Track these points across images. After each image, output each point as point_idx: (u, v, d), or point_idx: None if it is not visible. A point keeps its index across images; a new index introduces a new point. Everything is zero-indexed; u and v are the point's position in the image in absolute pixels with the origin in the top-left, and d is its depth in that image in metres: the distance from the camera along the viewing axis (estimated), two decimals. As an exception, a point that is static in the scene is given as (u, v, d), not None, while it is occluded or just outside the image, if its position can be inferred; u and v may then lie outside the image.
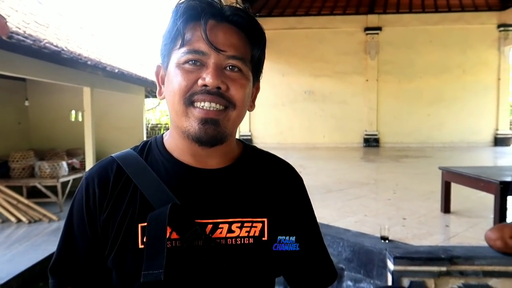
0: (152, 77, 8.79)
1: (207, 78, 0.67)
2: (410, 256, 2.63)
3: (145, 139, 6.33)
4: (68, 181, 7.44)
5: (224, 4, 0.74)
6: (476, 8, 11.31)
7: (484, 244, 2.79)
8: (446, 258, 2.60)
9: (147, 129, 10.62)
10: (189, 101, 0.69)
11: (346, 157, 9.25)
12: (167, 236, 0.68)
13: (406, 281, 2.63)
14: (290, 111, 11.76)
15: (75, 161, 7.90)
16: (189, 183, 0.75)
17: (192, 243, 0.70)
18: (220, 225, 0.73)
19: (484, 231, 3.03)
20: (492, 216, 3.53)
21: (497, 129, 11.41)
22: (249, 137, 11.58)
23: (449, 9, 11.38)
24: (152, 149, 0.80)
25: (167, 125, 12.17)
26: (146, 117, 11.60)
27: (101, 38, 8.26)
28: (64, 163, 6.96)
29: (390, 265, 2.69)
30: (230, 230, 0.73)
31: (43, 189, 6.31)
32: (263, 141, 11.74)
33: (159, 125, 12.36)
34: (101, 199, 0.73)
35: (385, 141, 11.56)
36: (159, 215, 0.68)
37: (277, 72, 11.63)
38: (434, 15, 11.36)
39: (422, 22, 11.35)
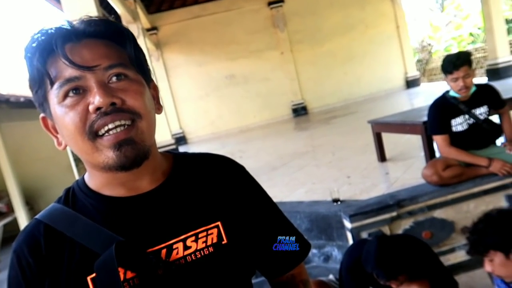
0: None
1: (96, 100, 0.61)
2: (363, 211, 2.79)
3: (72, 163, 5.90)
4: (-2, 228, 6.80)
5: (83, 19, 0.67)
6: (364, -35, 11.92)
7: (423, 181, 3.04)
8: (394, 204, 2.79)
9: (72, 152, 9.94)
10: (91, 133, 0.63)
11: (280, 131, 9.46)
12: (122, 278, 0.64)
13: (364, 234, 2.79)
14: (215, 99, 11.67)
15: (0, 206, 7.25)
16: (127, 215, 0.70)
17: (151, 275, 0.65)
18: (174, 246, 0.69)
19: (419, 170, 3.30)
20: (422, 154, 3.85)
21: (406, 73, 12.33)
22: (181, 134, 11.34)
23: (341, -30, 11.86)
24: (77, 195, 0.73)
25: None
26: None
27: (-6, 67, 7.49)
28: (-12, 212, 6.33)
29: (347, 224, 2.83)
30: (186, 247, 0.69)
31: (-28, 246, 5.70)
32: (196, 135, 11.58)
33: (84, 145, 11.62)
34: (39, 267, 0.66)
35: (312, 107, 11.97)
36: (105, 260, 0.62)
37: (193, 63, 11.43)
38: (329, -22, 11.80)
39: (319, -13, 11.74)
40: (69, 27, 0.65)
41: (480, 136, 2.91)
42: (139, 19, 7.73)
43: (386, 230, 2.80)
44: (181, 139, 11.16)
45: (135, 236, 0.68)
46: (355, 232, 2.78)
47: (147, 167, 0.70)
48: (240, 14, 11.55)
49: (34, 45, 0.64)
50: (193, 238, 0.70)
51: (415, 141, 4.70)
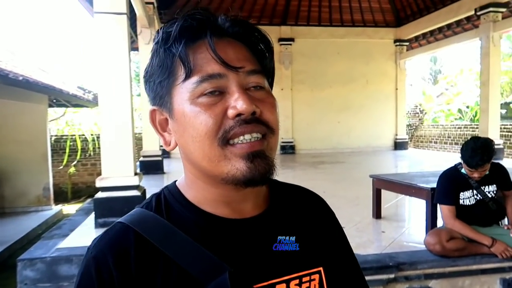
0: (58, 84, 7.96)
1: (239, 105, 0.55)
2: (361, 266, 2.69)
3: (49, 152, 5.67)
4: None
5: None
6: (376, 24, 12.42)
7: (420, 247, 2.99)
8: (394, 266, 2.71)
9: (50, 142, 9.58)
10: (224, 140, 0.56)
11: (267, 164, 9.37)
12: None
13: (358, 292, 2.67)
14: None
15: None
16: (231, 239, 0.61)
17: None
18: (277, 286, 0.61)
19: (416, 235, 3.26)
20: (419, 219, 3.83)
21: (396, 134, 12.63)
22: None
23: (353, 24, 12.31)
24: (171, 205, 0.64)
25: (73, 137, 11.12)
26: (50, 128, 10.48)
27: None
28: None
29: (344, 278, 2.71)
30: None
31: None
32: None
33: (64, 137, 11.20)
34: (124, 283, 0.55)
35: (300, 147, 12.03)
36: None
37: (194, 80, 11.40)
38: (341, 28, 12.20)
39: (330, 35, 12.10)
40: (212, 19, 0.60)
41: (485, 214, 2.90)
42: (153, 26, 7.71)
43: (380, 291, 2.71)
44: (164, 152, 10.93)
45: (238, 266, 0.59)
46: (349, 287, 2.66)
47: (255, 188, 0.62)
48: (250, 43, 11.71)
49: (176, 30, 0.57)
50: (296, 281, 0.63)
51: (407, 204, 4.71)
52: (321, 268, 0.67)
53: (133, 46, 8.41)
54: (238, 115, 0.55)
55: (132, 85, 4.25)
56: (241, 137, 0.56)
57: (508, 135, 10.65)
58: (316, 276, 0.66)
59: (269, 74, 0.64)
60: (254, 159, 0.56)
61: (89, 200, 6.40)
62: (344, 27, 12.23)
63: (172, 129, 0.62)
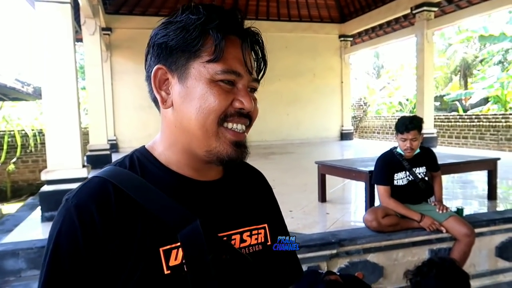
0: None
1: (246, 102, 0.69)
2: (307, 244, 2.89)
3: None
4: None
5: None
6: (321, 20, 12.85)
7: (360, 225, 3.25)
8: (335, 242, 2.94)
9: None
10: (222, 121, 0.69)
11: (218, 157, 9.45)
12: None
13: (304, 267, 2.87)
14: (157, 113, 11.35)
15: None
16: (196, 196, 0.73)
17: (218, 258, 0.68)
18: (233, 237, 0.75)
19: (356, 214, 3.52)
20: (357, 201, 4.12)
21: (342, 126, 13.21)
22: (114, 142, 10.84)
23: (300, 19, 12.66)
24: (145, 165, 0.72)
25: (12, 133, 10.49)
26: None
27: None
28: None
29: (290, 255, 2.90)
30: (242, 240, 0.76)
31: None
32: (129, 145, 11.14)
33: (1, 133, 10.53)
34: (106, 228, 0.62)
35: (251, 140, 11.77)
36: (193, 233, 0.65)
37: (142, 73, 11.05)
38: (288, 23, 12.50)
39: (278, 29, 12.35)
40: (242, 25, 0.72)
41: (416, 193, 3.21)
42: (98, 16, 7.48)
43: (324, 266, 2.92)
44: (113, 147, 10.65)
45: (204, 218, 0.69)
46: (296, 264, 2.85)
47: None
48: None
49: (221, 18, 0.68)
50: (248, 233, 0.78)
51: (349, 188, 5.03)
52: (266, 225, 0.82)
53: (77, 37, 8.10)
54: (241, 108, 0.70)
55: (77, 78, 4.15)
56: (235, 125, 0.70)
57: (441, 125, 11.53)
58: (262, 231, 0.81)
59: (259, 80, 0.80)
60: (239, 146, 0.71)
61: (32, 197, 6.14)
62: (292, 22, 12.55)
63: (178, 93, 0.70)
